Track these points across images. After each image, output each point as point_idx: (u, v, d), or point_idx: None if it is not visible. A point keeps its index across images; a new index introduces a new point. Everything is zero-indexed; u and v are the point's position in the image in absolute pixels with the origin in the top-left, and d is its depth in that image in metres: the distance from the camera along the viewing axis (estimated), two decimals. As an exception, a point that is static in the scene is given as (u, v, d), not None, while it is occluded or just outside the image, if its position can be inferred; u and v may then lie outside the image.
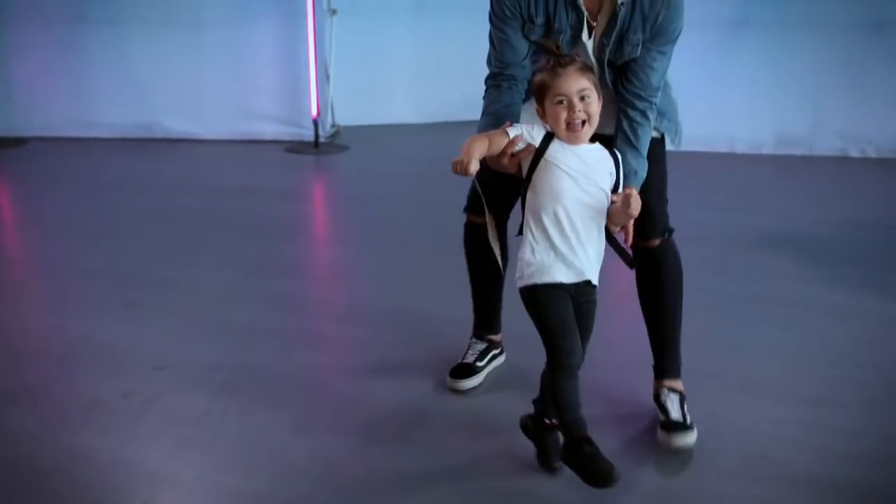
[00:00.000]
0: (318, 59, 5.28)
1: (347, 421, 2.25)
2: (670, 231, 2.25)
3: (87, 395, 2.37)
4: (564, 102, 1.95)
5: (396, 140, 5.57)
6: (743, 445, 2.13)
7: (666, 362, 2.28)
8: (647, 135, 2.13)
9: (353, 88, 5.60)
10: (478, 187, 2.29)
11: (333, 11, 5.40)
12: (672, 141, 2.26)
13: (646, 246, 2.21)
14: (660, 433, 2.16)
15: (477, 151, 1.91)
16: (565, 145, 1.97)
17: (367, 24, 5.58)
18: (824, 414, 2.28)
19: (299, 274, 3.41)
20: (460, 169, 1.86)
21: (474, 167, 1.86)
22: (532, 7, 2.10)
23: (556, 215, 1.95)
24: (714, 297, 2.98)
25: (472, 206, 2.39)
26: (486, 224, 2.25)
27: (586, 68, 1.99)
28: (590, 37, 2.10)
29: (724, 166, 4.88)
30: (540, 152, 1.97)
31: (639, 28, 2.08)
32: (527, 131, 1.99)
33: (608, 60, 2.11)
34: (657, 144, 2.19)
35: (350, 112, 5.67)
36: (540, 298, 1.97)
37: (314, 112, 5.37)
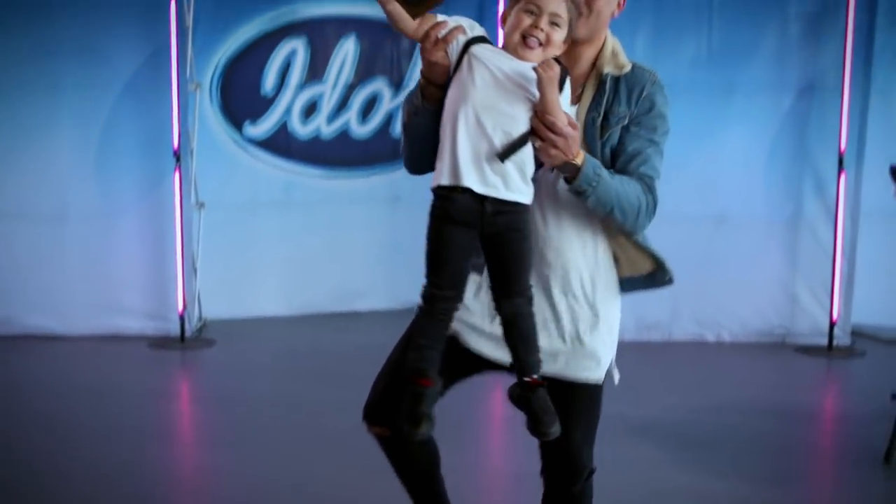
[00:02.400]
0: (186, 252, 5.25)
1: None
2: (592, 471, 2.18)
3: None
4: (533, 13, 1.83)
5: (265, 333, 5.49)
6: None
7: None
8: (624, 189, 1.97)
9: (220, 281, 5.56)
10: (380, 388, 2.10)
11: (201, 205, 5.41)
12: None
13: (564, 492, 2.13)
14: None
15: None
16: (500, 51, 1.86)
17: (234, 216, 5.61)
18: None
19: (161, 482, 3.25)
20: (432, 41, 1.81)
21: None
22: None
23: (470, 115, 1.82)
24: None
25: (373, 415, 2.10)
26: (384, 433, 2.08)
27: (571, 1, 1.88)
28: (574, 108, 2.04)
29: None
30: (468, 46, 1.86)
31: (623, 100, 2.04)
32: (456, 20, 1.87)
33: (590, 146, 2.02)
34: (597, 390, 2.11)
35: (217, 305, 5.59)
36: (436, 211, 1.84)
37: (180, 306, 5.27)
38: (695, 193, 5.01)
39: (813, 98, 5.09)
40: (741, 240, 5.16)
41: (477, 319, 2.05)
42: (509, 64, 1.85)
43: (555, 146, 1.83)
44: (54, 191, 5.18)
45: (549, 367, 1.95)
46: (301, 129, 5.72)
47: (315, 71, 5.65)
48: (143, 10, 5.03)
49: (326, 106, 5.70)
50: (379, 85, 5.74)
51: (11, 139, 5.12)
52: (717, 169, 5.11)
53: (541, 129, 1.83)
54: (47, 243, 5.22)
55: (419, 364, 1.84)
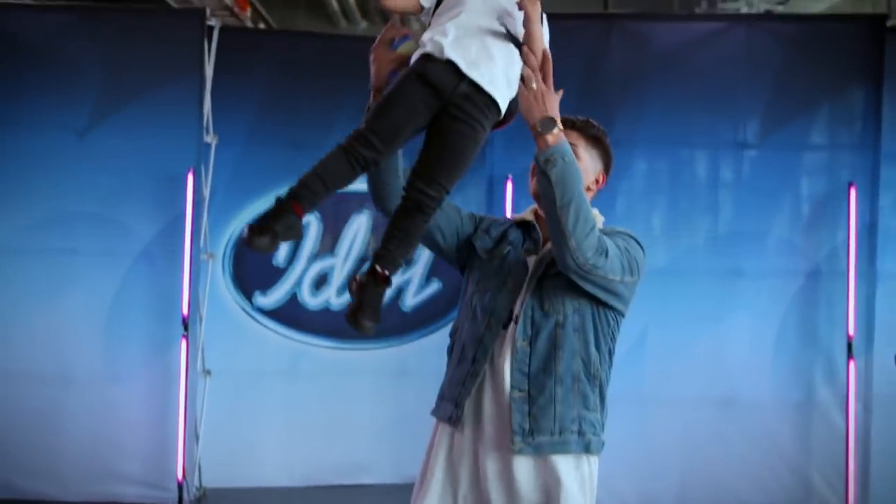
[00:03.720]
0: (188, 419, 5.21)
1: None
2: None
3: None
4: None
5: (265, 504, 5.38)
6: None
7: None
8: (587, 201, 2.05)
9: (222, 450, 5.48)
10: None
11: (207, 372, 5.42)
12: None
13: None
14: None
15: None
16: None
17: (240, 385, 5.60)
18: None
19: None
20: None
21: None
22: (492, 226, 2.21)
23: (463, 18, 1.85)
24: None
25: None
26: None
27: None
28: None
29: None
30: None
31: None
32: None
33: (542, 276, 2.11)
34: None
35: (218, 474, 5.49)
36: (414, 66, 1.82)
37: (180, 475, 5.19)
38: (702, 376, 4.96)
39: (820, 283, 5.11)
40: (750, 423, 5.06)
41: None
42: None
43: (534, 90, 1.91)
44: (61, 353, 5.19)
45: None
46: (311, 301, 5.78)
47: (327, 244, 5.77)
48: (161, 182, 5.20)
49: (337, 278, 5.77)
50: (389, 260, 5.82)
51: (23, 301, 5.17)
52: (724, 352, 5.08)
53: (529, 57, 1.91)
54: (50, 406, 5.19)
55: (301, 190, 1.79)
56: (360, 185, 5.96)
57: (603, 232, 2.14)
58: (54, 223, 5.15)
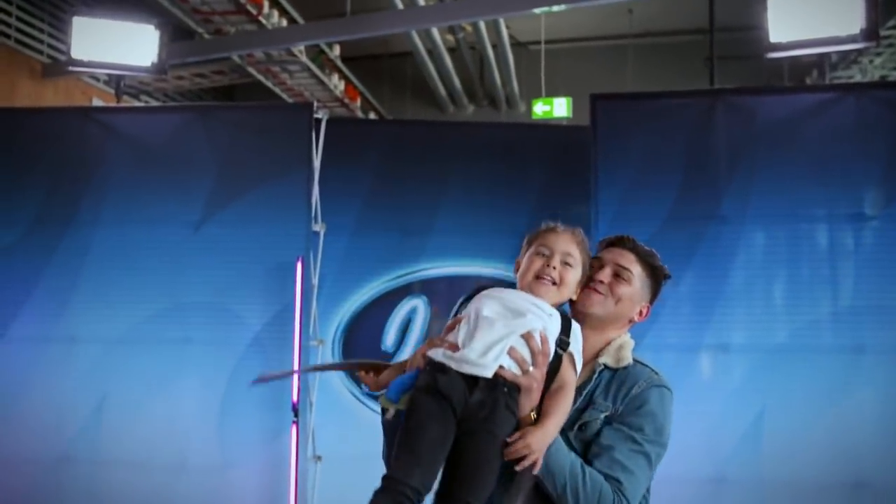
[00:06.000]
0: (300, 505, 5.22)
1: None
2: None
3: None
4: (545, 254, 1.83)
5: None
6: None
7: None
8: (585, 471, 1.88)
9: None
10: None
11: (318, 458, 5.43)
12: None
13: None
14: None
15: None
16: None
17: (350, 469, 5.56)
18: None
19: None
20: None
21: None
22: None
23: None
24: None
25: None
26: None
27: (582, 240, 1.88)
28: None
29: None
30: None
31: (611, 395, 1.97)
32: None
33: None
34: None
35: (328, 562, 5.47)
36: (416, 393, 1.77)
37: (291, 562, 5.18)
38: (827, 458, 4.72)
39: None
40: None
41: None
42: (520, 295, 1.87)
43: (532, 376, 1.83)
44: (176, 441, 5.28)
45: None
46: (419, 384, 5.76)
47: (435, 328, 5.77)
48: (271, 271, 5.31)
49: (445, 362, 5.76)
50: (493, 340, 5.80)
51: (141, 391, 5.31)
52: (850, 432, 4.81)
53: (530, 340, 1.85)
54: (165, 492, 5.27)
55: None
56: (474, 268, 5.94)
57: (626, 375, 2.01)
58: (170, 314, 5.31)
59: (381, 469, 6.26)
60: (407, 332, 5.71)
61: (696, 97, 5.30)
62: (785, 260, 4.98)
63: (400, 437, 1.85)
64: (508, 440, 1.82)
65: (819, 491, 4.65)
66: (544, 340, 1.83)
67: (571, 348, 1.89)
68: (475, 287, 2.01)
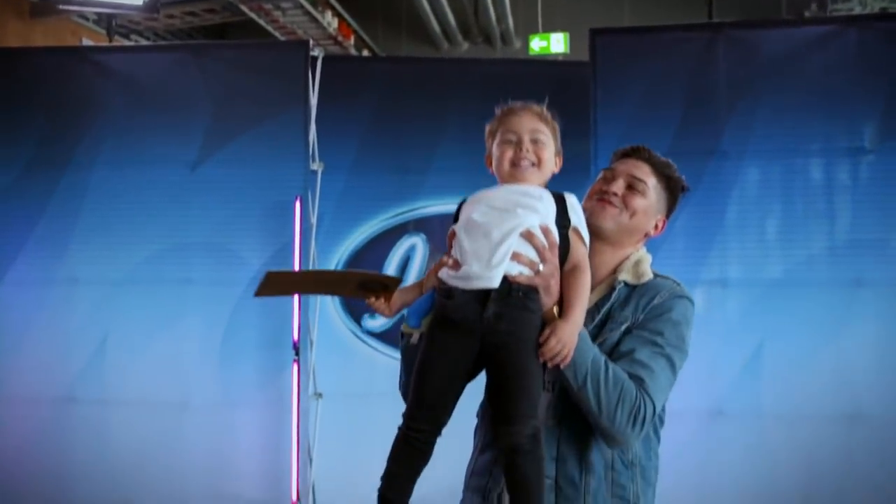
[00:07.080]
0: (301, 442, 5.28)
1: None
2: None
3: None
4: (513, 140, 1.76)
5: (379, 528, 5.38)
6: None
7: None
8: (608, 365, 1.83)
9: (336, 471, 5.53)
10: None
11: (319, 395, 5.48)
12: None
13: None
14: None
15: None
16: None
17: (351, 406, 5.64)
18: None
19: None
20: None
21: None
22: None
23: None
24: None
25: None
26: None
27: (544, 115, 1.80)
28: None
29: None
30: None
31: (630, 307, 1.92)
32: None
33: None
34: None
35: (332, 495, 5.54)
36: (429, 330, 1.77)
37: (294, 496, 5.26)
38: (825, 391, 4.77)
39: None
40: (878, 439, 4.79)
41: None
42: (503, 189, 1.83)
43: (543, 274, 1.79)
44: (178, 380, 5.33)
45: None
46: (418, 321, 5.78)
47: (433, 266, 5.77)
48: (269, 210, 5.31)
49: (445, 298, 5.78)
50: (494, 277, 5.81)
51: (143, 331, 5.34)
52: (848, 365, 4.85)
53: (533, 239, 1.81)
54: (169, 431, 5.34)
55: (388, 494, 1.79)
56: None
57: (646, 288, 1.96)
58: (169, 254, 5.31)
59: (382, 405, 6.28)
60: (406, 269, 5.72)
61: (697, 31, 5.24)
62: (784, 194, 4.97)
63: (414, 377, 1.85)
64: (540, 341, 1.78)
65: (817, 423, 4.70)
66: (546, 232, 1.79)
67: (574, 223, 1.84)
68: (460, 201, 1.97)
